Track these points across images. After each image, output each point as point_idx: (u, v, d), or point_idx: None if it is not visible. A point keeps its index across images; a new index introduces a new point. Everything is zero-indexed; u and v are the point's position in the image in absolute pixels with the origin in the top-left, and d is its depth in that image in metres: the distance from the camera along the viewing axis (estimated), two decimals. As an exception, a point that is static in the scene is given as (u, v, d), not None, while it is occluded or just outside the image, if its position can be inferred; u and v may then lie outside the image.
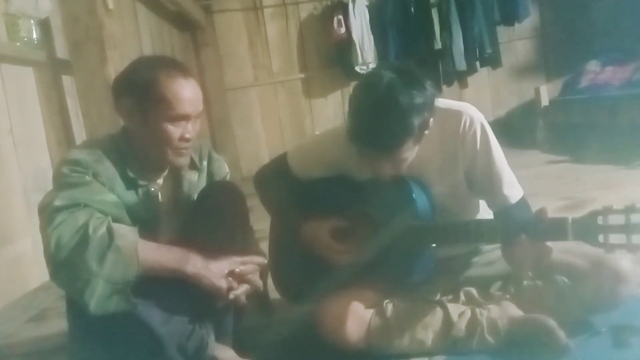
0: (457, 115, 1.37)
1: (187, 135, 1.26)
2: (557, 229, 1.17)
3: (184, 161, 1.31)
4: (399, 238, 1.32)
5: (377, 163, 1.31)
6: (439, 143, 1.37)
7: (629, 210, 1.09)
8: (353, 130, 1.29)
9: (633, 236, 1.08)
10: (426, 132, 1.30)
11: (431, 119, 1.29)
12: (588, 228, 1.13)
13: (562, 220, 1.16)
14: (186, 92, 1.24)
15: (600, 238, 1.12)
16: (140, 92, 1.23)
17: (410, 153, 1.30)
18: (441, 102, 1.39)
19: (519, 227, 1.23)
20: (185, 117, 1.25)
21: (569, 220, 1.15)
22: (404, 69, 1.27)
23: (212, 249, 1.24)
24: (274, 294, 1.57)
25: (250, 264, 1.30)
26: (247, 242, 1.39)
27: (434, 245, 1.40)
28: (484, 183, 1.39)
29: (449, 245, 1.43)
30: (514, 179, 1.40)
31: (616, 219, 1.11)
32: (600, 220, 1.12)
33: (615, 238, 1.11)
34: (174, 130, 1.24)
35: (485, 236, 1.30)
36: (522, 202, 1.38)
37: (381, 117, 1.22)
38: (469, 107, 1.39)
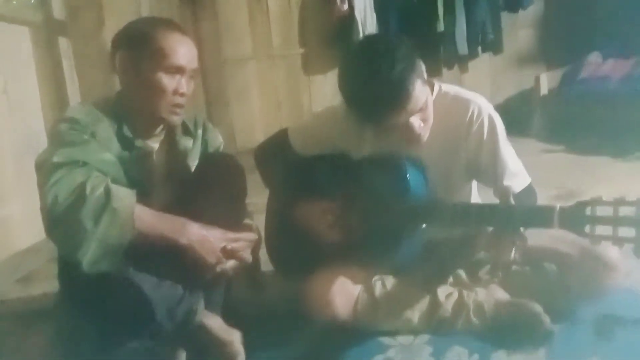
0: (466, 103, 1.37)
1: (181, 90, 1.26)
2: (544, 217, 1.17)
3: (176, 119, 1.30)
4: (389, 216, 1.32)
5: (396, 128, 1.30)
6: (443, 129, 1.37)
7: (618, 202, 1.09)
8: (357, 105, 1.30)
9: (620, 229, 1.08)
10: (422, 73, 1.29)
11: (423, 69, 1.29)
12: (575, 218, 1.13)
13: (550, 208, 1.16)
14: (182, 45, 1.27)
15: (587, 229, 1.12)
16: (137, 44, 1.26)
17: (421, 94, 1.27)
18: (451, 89, 1.40)
19: (506, 213, 1.23)
20: (180, 70, 1.26)
21: (557, 208, 1.15)
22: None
23: (205, 220, 1.24)
24: (266, 266, 1.57)
25: (243, 241, 1.30)
26: (242, 216, 1.40)
27: (423, 225, 1.41)
28: (489, 172, 1.39)
29: (437, 226, 1.43)
30: (521, 167, 1.41)
31: (604, 211, 1.10)
32: (588, 210, 1.12)
33: (602, 229, 1.10)
34: (169, 82, 1.25)
35: (473, 219, 1.30)
36: (527, 190, 1.39)
37: (373, 72, 1.23)
38: (478, 97, 1.39)
